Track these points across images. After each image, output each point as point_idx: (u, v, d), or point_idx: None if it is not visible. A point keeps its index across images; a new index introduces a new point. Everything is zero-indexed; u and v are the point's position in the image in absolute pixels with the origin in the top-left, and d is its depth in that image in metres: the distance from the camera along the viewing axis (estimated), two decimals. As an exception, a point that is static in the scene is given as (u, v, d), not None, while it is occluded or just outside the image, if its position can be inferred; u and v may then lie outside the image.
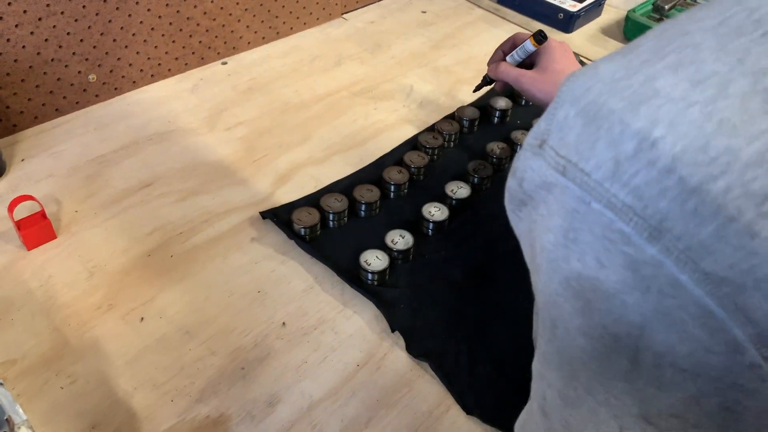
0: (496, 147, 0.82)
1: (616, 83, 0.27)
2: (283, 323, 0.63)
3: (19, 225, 0.66)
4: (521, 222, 0.34)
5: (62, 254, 0.68)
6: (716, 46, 0.26)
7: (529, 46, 0.73)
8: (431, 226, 0.72)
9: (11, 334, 0.60)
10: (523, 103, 0.92)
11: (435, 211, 0.73)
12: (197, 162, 0.80)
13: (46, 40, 0.78)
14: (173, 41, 0.91)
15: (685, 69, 0.26)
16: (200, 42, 0.94)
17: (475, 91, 0.85)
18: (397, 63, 1.01)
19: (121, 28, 0.84)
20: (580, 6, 1.11)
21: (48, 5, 0.76)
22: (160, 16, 0.87)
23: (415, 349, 0.61)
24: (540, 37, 0.72)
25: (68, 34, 0.80)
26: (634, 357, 0.29)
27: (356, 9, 1.14)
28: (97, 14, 0.81)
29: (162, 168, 0.79)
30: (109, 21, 0.82)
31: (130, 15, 0.84)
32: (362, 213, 0.74)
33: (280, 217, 0.72)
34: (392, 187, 0.76)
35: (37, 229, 0.67)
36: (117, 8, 0.82)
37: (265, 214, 0.73)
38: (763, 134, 0.24)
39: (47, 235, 0.68)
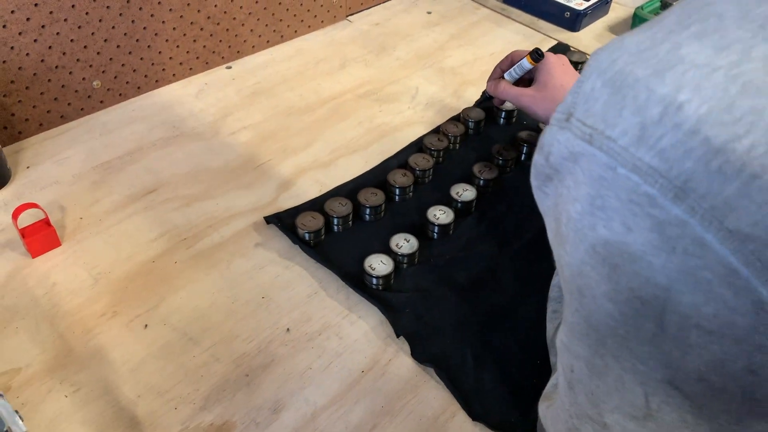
0: (501, 149, 0.81)
1: (641, 53, 0.28)
2: (288, 329, 0.63)
3: (24, 233, 0.66)
4: (547, 198, 0.35)
5: (67, 261, 0.68)
6: (738, 15, 0.27)
7: (526, 64, 0.74)
8: (436, 229, 0.71)
9: (16, 342, 0.60)
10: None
11: (440, 214, 0.72)
12: (202, 167, 0.80)
13: (49, 47, 0.78)
14: (177, 46, 0.91)
15: (709, 37, 0.27)
16: (204, 46, 0.94)
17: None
18: (402, 65, 1.01)
19: (125, 34, 0.84)
20: (586, 4, 1.10)
21: (51, 12, 0.76)
22: (163, 21, 0.87)
23: (420, 355, 0.61)
24: (536, 56, 0.73)
25: (72, 41, 0.80)
26: (660, 320, 0.30)
27: (361, 11, 1.14)
28: (100, 21, 0.81)
29: (166, 174, 0.79)
30: (113, 27, 0.82)
31: (133, 21, 0.84)
32: (367, 217, 0.74)
33: (284, 222, 0.72)
34: (397, 191, 0.76)
35: (41, 237, 0.67)
36: (120, 14, 0.82)
37: (270, 219, 0.72)
38: None
39: (52, 243, 0.68)
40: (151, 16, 0.85)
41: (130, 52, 0.86)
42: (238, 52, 0.99)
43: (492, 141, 0.83)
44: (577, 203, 0.31)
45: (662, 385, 0.33)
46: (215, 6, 0.91)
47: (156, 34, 0.87)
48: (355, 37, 1.07)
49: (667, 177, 0.26)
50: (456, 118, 0.88)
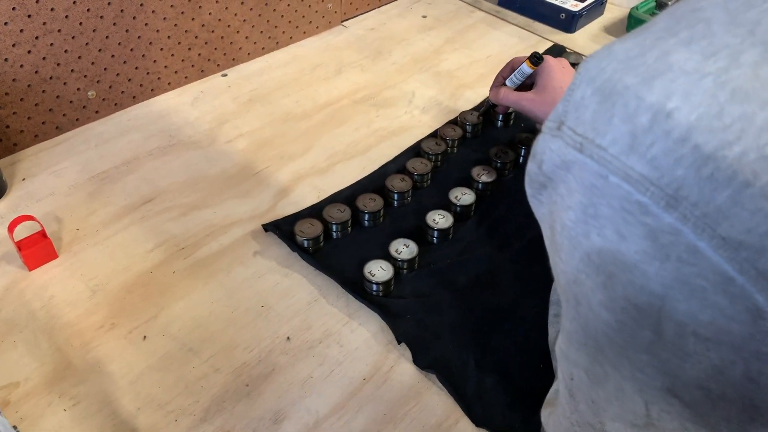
0: (500, 151, 0.81)
1: (630, 61, 0.28)
2: (288, 338, 0.62)
3: (20, 245, 0.66)
4: (542, 205, 0.35)
5: (64, 273, 0.67)
6: (727, 20, 0.27)
7: (526, 68, 0.75)
8: (436, 234, 0.71)
9: (14, 356, 0.60)
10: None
11: (439, 219, 0.71)
12: (199, 176, 0.80)
13: (43, 58, 0.78)
14: (172, 55, 0.90)
15: (698, 43, 0.27)
16: (199, 54, 0.94)
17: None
18: (399, 69, 1.01)
19: (119, 43, 0.84)
20: (581, 5, 1.10)
21: (44, 23, 0.76)
22: (157, 30, 0.87)
23: (422, 361, 0.60)
24: (536, 59, 0.73)
25: (66, 51, 0.79)
26: (657, 328, 0.30)
27: (356, 16, 1.14)
28: (94, 31, 0.80)
29: (163, 183, 0.78)
30: (107, 37, 0.82)
31: (127, 30, 0.84)
32: (366, 223, 0.73)
33: (282, 229, 0.72)
34: (395, 196, 0.75)
35: (37, 249, 0.66)
36: (114, 24, 0.82)
37: (268, 227, 0.72)
38: None
39: (48, 255, 0.67)
40: (146, 25, 0.85)
41: (124, 62, 0.86)
42: (234, 59, 0.98)
43: (490, 144, 0.83)
44: (571, 211, 0.31)
45: (662, 394, 0.33)
46: (209, 14, 0.91)
47: (150, 43, 0.87)
48: (350, 42, 1.07)
49: (658, 185, 0.26)
50: (453, 122, 0.88)
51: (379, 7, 1.16)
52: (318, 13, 1.06)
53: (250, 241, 0.72)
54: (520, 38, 1.09)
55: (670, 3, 1.10)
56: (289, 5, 1.00)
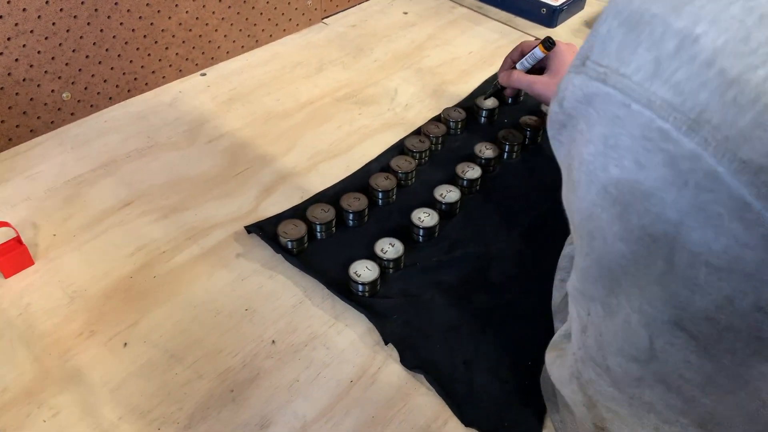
0: (484, 148, 0.80)
1: None
2: (273, 341, 0.61)
3: (-5, 252, 0.64)
4: (562, 146, 0.36)
5: (41, 280, 0.65)
6: None
7: (539, 53, 0.76)
8: (421, 232, 0.70)
9: (-10, 366, 0.58)
10: (510, 101, 0.91)
11: (425, 217, 0.71)
12: (178, 177, 0.78)
13: (16, 60, 0.76)
14: (149, 54, 0.88)
15: None
16: (177, 54, 0.92)
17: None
18: (380, 66, 1.00)
19: (94, 43, 0.82)
20: (562, 0, 1.10)
21: (16, 24, 0.74)
22: (133, 30, 0.85)
23: (409, 361, 0.59)
24: (549, 44, 0.75)
25: (39, 52, 0.77)
26: (670, 257, 0.30)
27: (336, 13, 1.12)
28: (67, 31, 0.78)
29: (142, 185, 0.77)
30: (81, 37, 0.80)
31: (102, 30, 0.82)
32: (350, 222, 0.72)
33: (265, 230, 0.70)
34: (380, 195, 0.74)
35: (13, 256, 0.64)
36: (88, 23, 0.80)
37: (250, 228, 0.71)
38: None
39: (24, 262, 0.66)
40: (120, 24, 0.83)
41: (100, 62, 0.84)
42: (213, 58, 0.97)
43: (474, 140, 0.82)
44: (590, 144, 0.31)
45: (668, 327, 0.33)
46: (186, 12, 0.89)
47: (126, 43, 0.85)
48: (331, 39, 1.06)
49: (680, 110, 0.27)
50: (437, 119, 0.87)
51: (359, 4, 1.15)
52: (298, 11, 1.04)
53: (232, 243, 0.70)
54: (501, 34, 1.09)
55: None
56: (268, 2, 0.99)
